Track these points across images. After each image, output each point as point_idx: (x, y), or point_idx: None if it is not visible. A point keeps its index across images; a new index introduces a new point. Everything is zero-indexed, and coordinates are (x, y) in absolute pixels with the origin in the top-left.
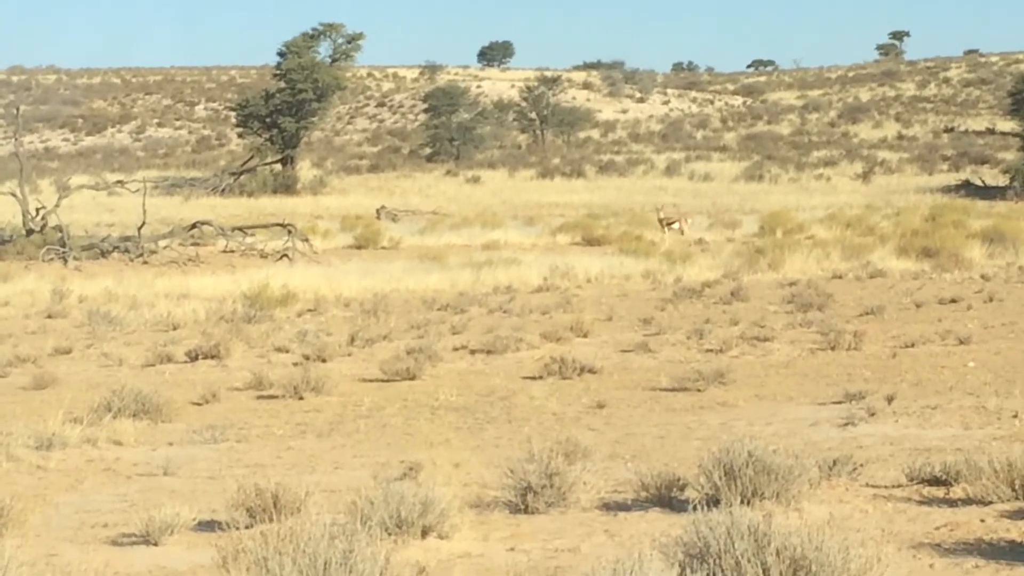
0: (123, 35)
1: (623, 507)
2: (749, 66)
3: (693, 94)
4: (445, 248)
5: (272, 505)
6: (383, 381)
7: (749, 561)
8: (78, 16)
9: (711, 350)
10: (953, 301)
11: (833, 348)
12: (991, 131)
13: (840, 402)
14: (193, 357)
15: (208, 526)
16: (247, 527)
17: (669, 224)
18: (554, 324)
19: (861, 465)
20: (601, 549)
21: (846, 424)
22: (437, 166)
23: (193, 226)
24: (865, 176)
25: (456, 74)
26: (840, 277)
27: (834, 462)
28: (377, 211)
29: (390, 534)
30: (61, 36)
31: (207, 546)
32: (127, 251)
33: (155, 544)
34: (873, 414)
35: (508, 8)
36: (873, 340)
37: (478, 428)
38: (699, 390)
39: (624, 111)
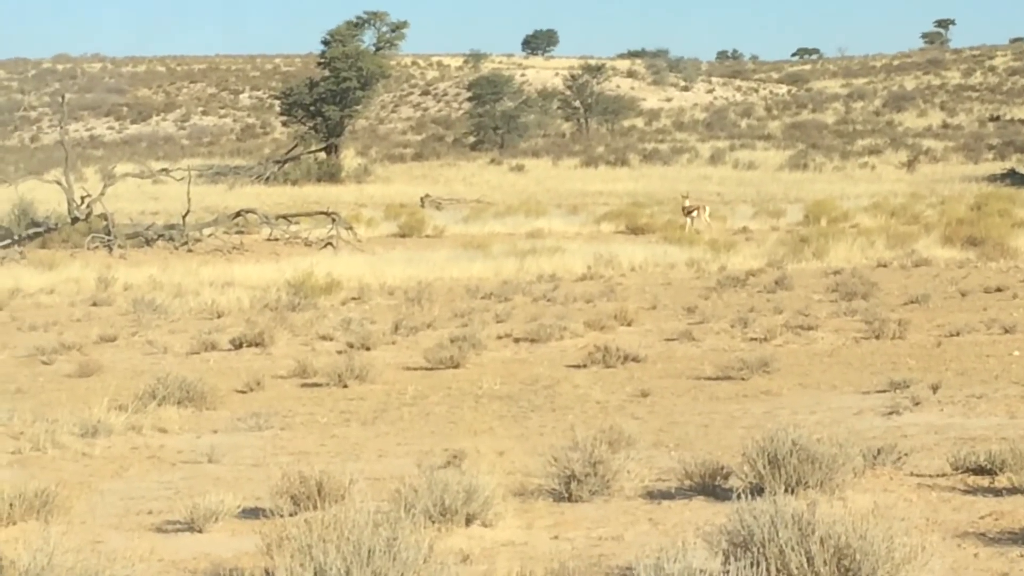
0: (168, 23)
1: (667, 495)
2: (794, 54)
3: (738, 82)
4: (489, 236)
5: (316, 493)
6: (427, 369)
7: (793, 550)
8: (123, 4)
9: (755, 339)
10: (999, 290)
11: (878, 337)
12: None
13: (884, 391)
14: (237, 345)
15: (252, 513)
16: (291, 514)
17: (689, 212)
18: (598, 312)
19: (906, 454)
20: (645, 537)
21: (890, 413)
22: (481, 154)
23: (237, 214)
24: (910, 165)
25: (500, 63)
26: (885, 266)
27: (878, 451)
28: (421, 199)
29: (434, 522)
30: (106, 24)
31: (251, 533)
32: (172, 239)
33: (199, 531)
34: (918, 403)
35: None
36: (918, 329)
37: (522, 416)
38: (743, 379)
39: (668, 99)
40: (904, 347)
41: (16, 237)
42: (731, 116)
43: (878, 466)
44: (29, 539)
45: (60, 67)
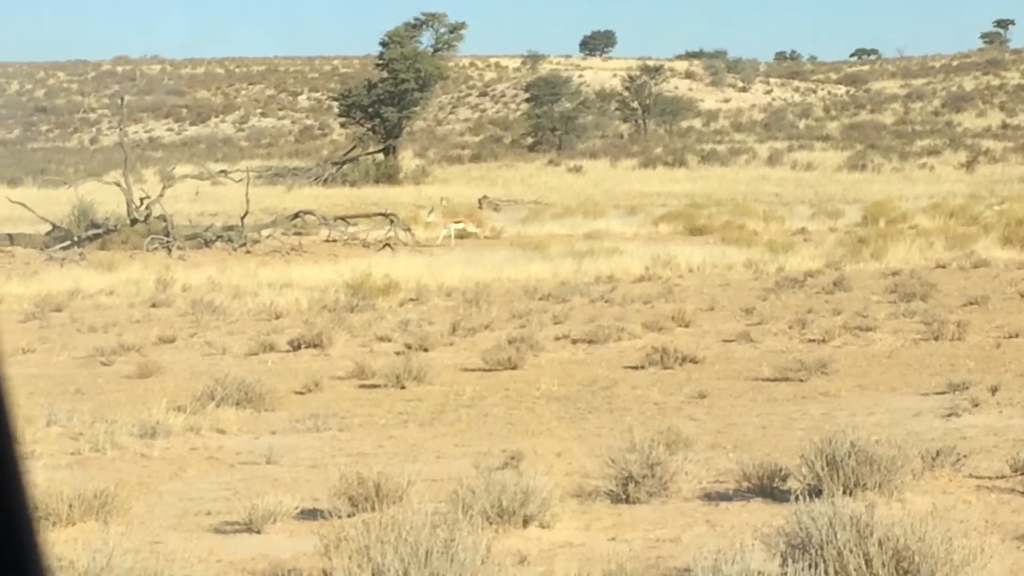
0: (227, 25)
1: (725, 497)
2: (852, 55)
3: (796, 83)
4: (547, 238)
5: (374, 494)
6: (485, 370)
7: (851, 552)
8: (182, 6)
9: (813, 340)
10: None
11: (936, 338)
12: None
13: (943, 392)
14: (296, 346)
15: (310, 514)
16: (349, 516)
17: (456, 222)
18: (656, 314)
19: (964, 456)
20: (702, 539)
21: (949, 415)
22: (539, 156)
23: (296, 215)
24: (969, 165)
25: (558, 64)
26: (943, 267)
27: (937, 453)
28: (479, 201)
29: (491, 523)
30: (165, 26)
31: (309, 534)
32: (230, 240)
33: (258, 532)
34: (977, 404)
35: None
36: (977, 330)
37: (580, 417)
38: (801, 380)
39: (726, 100)
40: (963, 349)
41: (76, 238)
42: (789, 117)
43: (937, 468)
44: (88, 540)
45: (119, 69)
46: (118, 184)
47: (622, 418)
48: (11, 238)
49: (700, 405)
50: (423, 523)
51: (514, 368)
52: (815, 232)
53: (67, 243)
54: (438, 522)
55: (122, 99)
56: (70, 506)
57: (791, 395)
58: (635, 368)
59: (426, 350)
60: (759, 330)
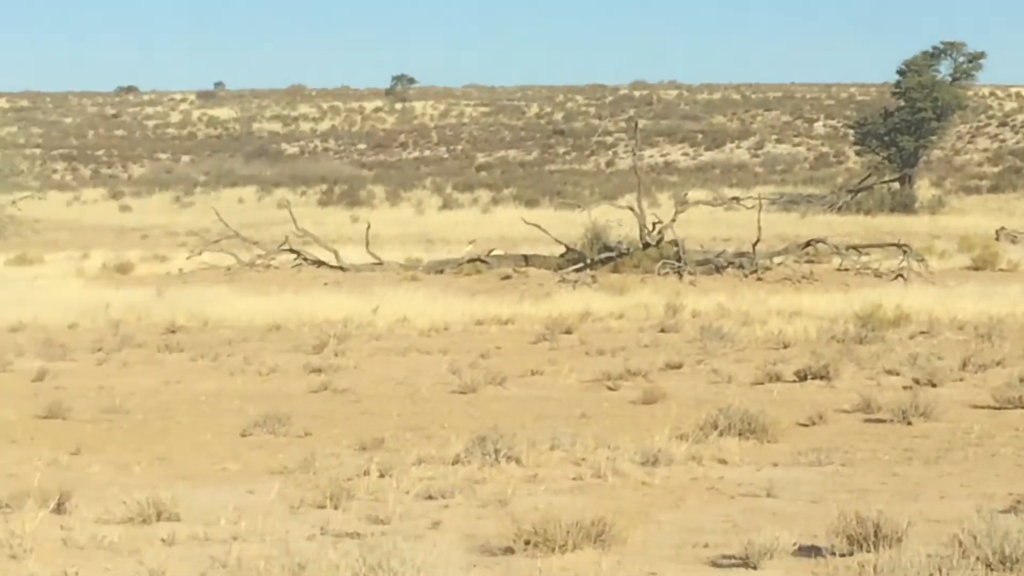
0: (742, 51)
1: None
2: None
3: None
4: None
5: (872, 534)
6: (994, 408)
7: None
8: (699, 33)
9: None
10: None
11: None
12: None
13: None
14: (802, 377)
15: (807, 552)
16: (844, 555)
17: None
18: None
19: None
20: None
21: None
22: None
23: (807, 244)
24: None
25: None
26: None
27: None
28: (996, 232)
29: (992, 570)
30: (682, 52)
31: (806, 572)
32: (741, 267)
33: (754, 567)
34: None
35: None
36: None
37: None
38: None
39: None
40: None
41: (588, 261)
42: None
43: None
44: (582, 569)
45: (636, 94)
46: (631, 208)
47: None
48: (526, 259)
49: None
50: (918, 570)
51: None
52: None
53: (580, 265)
54: (934, 568)
55: (636, 123)
56: (567, 532)
57: None
58: None
59: (934, 385)
60: None
